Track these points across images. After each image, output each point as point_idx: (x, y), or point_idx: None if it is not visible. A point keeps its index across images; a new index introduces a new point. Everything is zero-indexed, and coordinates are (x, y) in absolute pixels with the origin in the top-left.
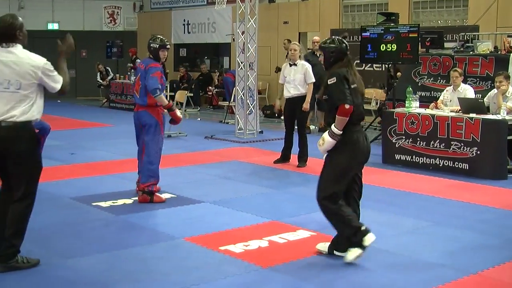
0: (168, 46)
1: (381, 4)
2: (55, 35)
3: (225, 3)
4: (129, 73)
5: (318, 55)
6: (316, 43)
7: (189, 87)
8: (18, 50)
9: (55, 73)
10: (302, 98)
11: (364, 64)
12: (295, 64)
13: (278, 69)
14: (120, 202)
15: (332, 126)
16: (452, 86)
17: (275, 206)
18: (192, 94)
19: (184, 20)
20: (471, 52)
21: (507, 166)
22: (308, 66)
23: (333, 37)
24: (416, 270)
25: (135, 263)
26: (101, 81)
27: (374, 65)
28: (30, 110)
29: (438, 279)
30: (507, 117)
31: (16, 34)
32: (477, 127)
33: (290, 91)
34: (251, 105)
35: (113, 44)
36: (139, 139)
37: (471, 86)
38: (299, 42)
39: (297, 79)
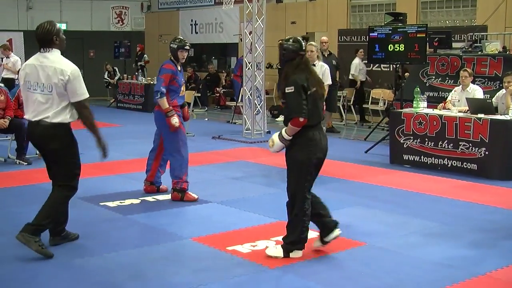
0: (187, 47)
1: (389, 4)
2: (63, 35)
3: (232, 3)
4: (136, 73)
5: (326, 55)
6: (324, 44)
7: (196, 87)
8: (54, 55)
9: (81, 84)
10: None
11: (372, 64)
12: (314, 65)
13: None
14: (128, 202)
15: (283, 130)
16: (460, 86)
17: (282, 206)
18: (199, 94)
19: (192, 20)
20: (479, 52)
21: None
22: (327, 67)
23: (293, 36)
24: (424, 271)
25: (143, 263)
26: (109, 79)
27: (382, 65)
28: (64, 112)
29: (446, 279)
30: None
31: (52, 40)
32: (486, 127)
33: None
34: (259, 105)
35: (121, 44)
36: (156, 136)
37: (480, 86)
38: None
39: None
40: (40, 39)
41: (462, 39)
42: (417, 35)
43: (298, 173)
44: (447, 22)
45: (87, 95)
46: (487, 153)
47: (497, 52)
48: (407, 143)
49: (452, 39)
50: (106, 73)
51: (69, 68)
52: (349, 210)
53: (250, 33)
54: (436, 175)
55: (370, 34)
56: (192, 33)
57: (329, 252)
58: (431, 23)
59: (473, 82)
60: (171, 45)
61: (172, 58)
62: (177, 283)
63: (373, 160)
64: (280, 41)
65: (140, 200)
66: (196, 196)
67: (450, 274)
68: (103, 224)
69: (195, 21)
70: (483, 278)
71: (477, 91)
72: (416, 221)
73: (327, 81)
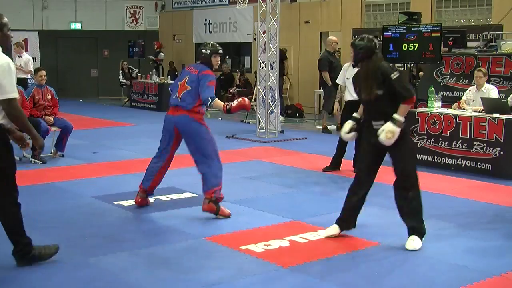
0: (221, 51)
1: (403, 4)
2: (78, 34)
3: (246, 2)
4: (150, 72)
5: (337, 56)
6: (335, 44)
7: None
8: None
9: (8, 79)
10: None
11: None
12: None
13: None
14: None
15: (397, 116)
16: (475, 86)
17: (296, 206)
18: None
19: (206, 20)
20: (494, 52)
21: None
22: None
23: (364, 35)
24: (439, 272)
25: (156, 262)
26: (123, 80)
27: (396, 65)
28: None
29: (460, 280)
30: None
31: None
32: (501, 127)
33: (353, 94)
34: (272, 104)
35: (135, 43)
36: (167, 144)
37: (495, 86)
38: (320, 42)
39: None
40: None
41: (477, 38)
42: (432, 35)
43: (415, 158)
44: (462, 21)
45: (16, 95)
46: (502, 153)
47: None
48: (421, 143)
49: (467, 38)
50: (121, 72)
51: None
52: (362, 209)
53: (264, 32)
54: (450, 175)
55: (384, 33)
56: (206, 32)
57: (343, 252)
58: (446, 22)
59: (488, 81)
60: (203, 51)
61: (202, 62)
62: (191, 282)
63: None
64: (355, 40)
65: (153, 199)
66: (229, 212)
67: (464, 275)
68: (117, 223)
69: (209, 21)
70: (498, 279)
71: (492, 91)
72: (430, 221)
73: None
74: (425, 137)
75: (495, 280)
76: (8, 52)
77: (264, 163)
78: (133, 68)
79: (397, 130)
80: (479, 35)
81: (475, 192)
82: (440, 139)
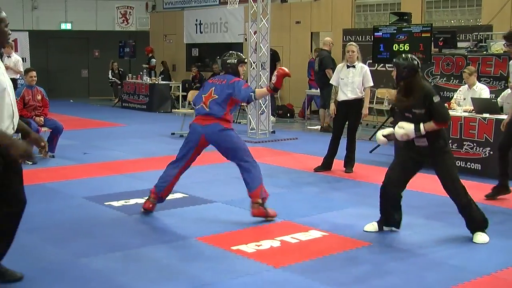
0: (246, 60)
1: (393, 4)
2: (69, 35)
3: (237, 3)
4: (141, 73)
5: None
6: (332, 44)
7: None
8: None
9: None
10: (358, 102)
11: (376, 64)
12: (354, 66)
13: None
14: (133, 201)
15: (422, 126)
16: (466, 85)
17: (287, 206)
18: None
19: (196, 20)
20: (484, 52)
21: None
22: (367, 69)
23: (406, 54)
24: (430, 271)
25: (148, 263)
26: (113, 78)
27: (387, 65)
28: None
29: (452, 279)
30: None
31: None
32: (491, 127)
33: (347, 94)
34: (263, 105)
35: (126, 44)
36: (186, 152)
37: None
38: (311, 42)
39: (356, 82)
40: None
41: (467, 38)
42: (422, 35)
43: (456, 169)
44: (452, 21)
45: None
46: (491, 153)
47: (502, 52)
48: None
49: (457, 38)
50: (110, 72)
51: None
52: (354, 210)
53: (255, 32)
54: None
55: (375, 33)
56: (196, 32)
57: (334, 252)
58: (436, 22)
59: (478, 81)
60: (228, 61)
61: (227, 73)
62: (182, 282)
63: (378, 160)
64: (398, 60)
65: (145, 200)
66: (275, 212)
67: (455, 274)
68: (108, 224)
69: (200, 21)
70: (488, 278)
71: (483, 90)
72: (421, 221)
73: (369, 83)
74: None
75: (485, 279)
76: None
77: None
78: (122, 70)
79: (411, 134)
80: (469, 35)
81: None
82: None
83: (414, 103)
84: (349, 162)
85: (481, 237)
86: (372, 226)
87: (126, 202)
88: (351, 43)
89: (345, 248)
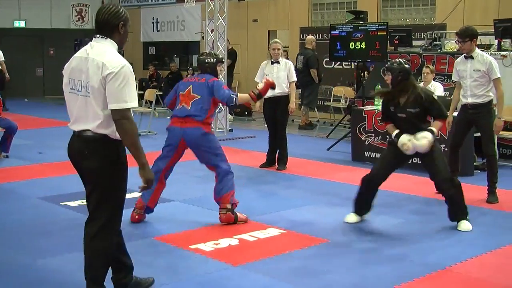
0: (224, 60)
1: (350, 3)
2: (22, 33)
3: (194, 1)
4: None
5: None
6: (315, 42)
7: (158, 85)
8: (104, 46)
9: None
10: (285, 98)
11: (333, 62)
12: (278, 62)
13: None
14: None
15: (434, 129)
16: (422, 83)
17: (245, 204)
18: (161, 93)
19: (153, 18)
20: (438, 50)
21: (474, 163)
22: (291, 64)
23: (398, 59)
24: (386, 267)
25: None
26: None
27: (344, 63)
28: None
29: (408, 275)
30: None
31: (118, 27)
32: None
33: (273, 90)
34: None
35: (82, 42)
36: (172, 157)
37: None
38: (268, 40)
39: (281, 77)
40: (101, 22)
41: (422, 37)
42: (378, 33)
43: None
44: (407, 20)
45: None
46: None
47: (455, 50)
48: (368, 140)
49: (412, 37)
50: None
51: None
52: (311, 207)
53: (212, 31)
54: (398, 172)
55: (332, 32)
56: (153, 31)
57: (292, 249)
58: (392, 21)
59: (434, 79)
60: (207, 60)
61: (205, 72)
62: None
63: (335, 158)
64: (392, 65)
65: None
66: (246, 216)
67: (411, 270)
68: (64, 224)
69: (157, 19)
70: (443, 273)
71: (438, 88)
72: (379, 218)
73: (294, 77)
74: (373, 135)
75: (440, 274)
76: None
77: None
78: None
79: (433, 140)
80: (424, 34)
81: (422, 188)
82: (388, 137)
83: (409, 103)
84: (281, 160)
85: (465, 225)
86: (354, 217)
87: (82, 202)
88: (275, 40)
89: (303, 246)
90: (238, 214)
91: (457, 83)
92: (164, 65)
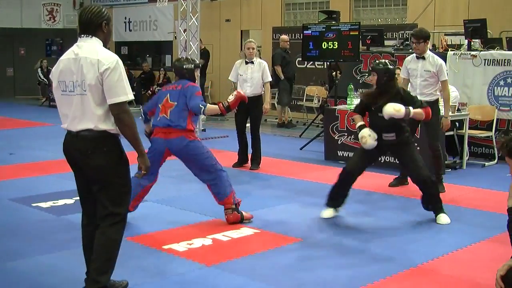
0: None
1: (322, 2)
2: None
3: (166, 1)
4: None
5: (288, 52)
6: (286, 42)
7: (131, 85)
8: (91, 45)
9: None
10: (258, 98)
11: (306, 62)
12: (252, 62)
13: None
14: (61, 202)
15: (412, 109)
16: None
17: (218, 204)
18: (134, 93)
19: (125, 18)
20: (410, 50)
21: (445, 162)
22: (266, 64)
23: (382, 61)
24: (359, 265)
25: (78, 264)
26: (43, 77)
27: (316, 63)
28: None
29: (380, 273)
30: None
31: (101, 26)
32: (417, 123)
33: (247, 91)
34: None
35: (53, 41)
36: (155, 168)
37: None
38: (241, 40)
39: (255, 77)
40: (84, 22)
41: (394, 37)
42: (350, 33)
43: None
44: (379, 20)
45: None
46: (418, 148)
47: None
48: (341, 140)
49: (384, 37)
50: (40, 70)
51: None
52: (284, 206)
53: (185, 31)
54: (370, 170)
55: (304, 31)
56: (126, 30)
57: (266, 249)
58: (364, 21)
59: None
60: (185, 66)
61: (182, 78)
62: None
63: (308, 157)
64: (378, 65)
65: (74, 200)
66: (251, 214)
67: (384, 268)
68: (36, 226)
69: (129, 19)
70: (415, 270)
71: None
72: (351, 217)
73: (268, 78)
74: (346, 134)
75: (412, 271)
76: None
77: None
78: (50, 68)
79: (402, 112)
80: (395, 34)
81: (394, 187)
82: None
83: (390, 102)
84: (254, 160)
85: (444, 218)
86: (329, 212)
87: (54, 203)
88: (250, 40)
89: (277, 245)
90: (243, 212)
91: (405, 80)
92: (137, 65)
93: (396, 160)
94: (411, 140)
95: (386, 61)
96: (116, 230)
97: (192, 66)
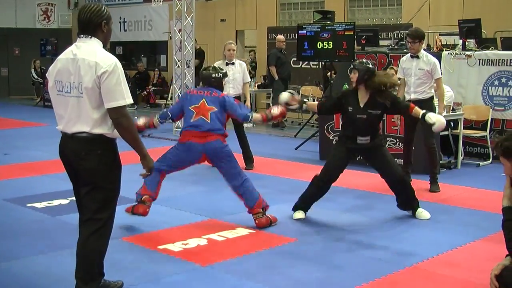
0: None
1: (317, 2)
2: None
3: (161, 1)
4: None
5: (284, 52)
6: (282, 43)
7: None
8: (91, 45)
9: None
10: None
11: (301, 62)
12: (233, 63)
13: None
14: (56, 202)
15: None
16: None
17: (214, 204)
18: None
19: (120, 18)
20: (405, 50)
21: (440, 161)
22: (245, 65)
23: (362, 59)
24: (354, 265)
25: (72, 265)
26: (37, 77)
27: (311, 63)
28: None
29: (375, 273)
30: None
31: (100, 26)
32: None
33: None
34: None
35: (48, 41)
36: (180, 165)
37: None
38: (236, 40)
39: (237, 78)
40: (83, 22)
41: (389, 37)
42: (345, 33)
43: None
44: (374, 20)
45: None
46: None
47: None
48: (336, 140)
49: (379, 37)
50: (33, 70)
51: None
52: (280, 206)
53: (180, 31)
54: (366, 170)
55: (299, 31)
56: (120, 30)
57: (261, 249)
58: (359, 21)
59: (399, 79)
60: (213, 75)
61: (210, 86)
62: None
63: (303, 157)
64: (361, 64)
65: (68, 201)
66: (276, 217)
67: (379, 268)
68: (30, 226)
69: (124, 19)
70: (410, 270)
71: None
72: (345, 217)
73: (247, 79)
74: None
75: (407, 271)
76: None
77: None
78: (44, 68)
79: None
80: (390, 33)
81: (387, 187)
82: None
83: (370, 104)
84: (247, 159)
85: (425, 213)
86: (300, 214)
87: (49, 203)
88: (230, 41)
89: (272, 245)
90: (269, 216)
91: (402, 80)
92: (132, 65)
93: (368, 164)
94: (383, 143)
95: (367, 60)
96: (96, 238)
97: (221, 75)
